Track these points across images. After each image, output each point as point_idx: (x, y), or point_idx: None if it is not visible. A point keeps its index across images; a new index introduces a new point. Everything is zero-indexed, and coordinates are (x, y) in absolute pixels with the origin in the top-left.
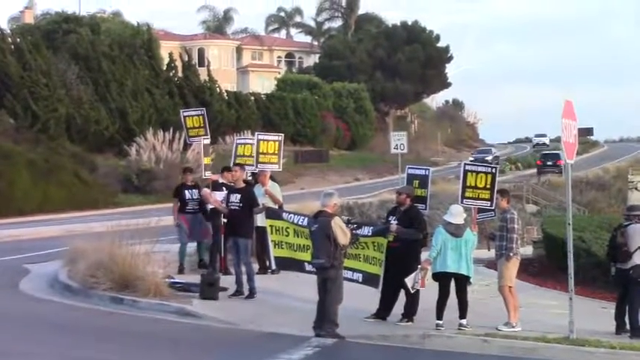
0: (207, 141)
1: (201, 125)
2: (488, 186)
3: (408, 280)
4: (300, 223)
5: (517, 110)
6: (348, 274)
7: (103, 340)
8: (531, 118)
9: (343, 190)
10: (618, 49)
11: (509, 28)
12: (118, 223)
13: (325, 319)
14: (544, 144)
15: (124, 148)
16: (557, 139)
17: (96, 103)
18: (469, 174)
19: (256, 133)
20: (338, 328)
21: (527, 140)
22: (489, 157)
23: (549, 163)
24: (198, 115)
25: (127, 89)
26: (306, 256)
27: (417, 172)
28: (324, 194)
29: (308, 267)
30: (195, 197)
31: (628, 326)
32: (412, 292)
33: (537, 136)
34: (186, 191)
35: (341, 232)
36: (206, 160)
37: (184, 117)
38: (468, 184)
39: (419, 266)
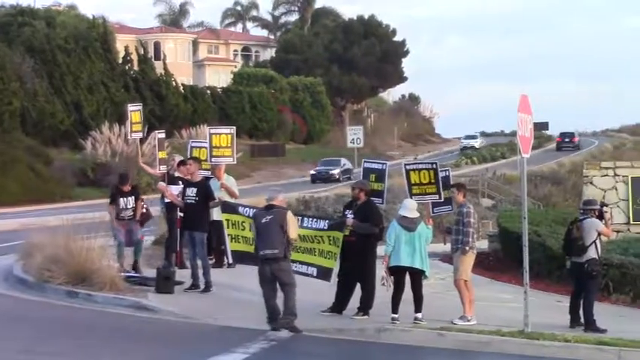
0: (162, 135)
1: (139, 121)
2: (432, 181)
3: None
4: None
5: (473, 104)
6: (302, 268)
7: (58, 335)
8: (487, 112)
9: (299, 184)
10: (573, 44)
11: (464, 22)
12: (73, 216)
13: (285, 310)
14: (472, 147)
15: (79, 141)
16: (513, 134)
17: (51, 97)
18: (411, 172)
19: (208, 128)
20: (295, 320)
21: (483, 134)
22: (477, 143)
23: (567, 140)
24: (138, 111)
25: (83, 82)
26: None
27: (374, 166)
28: (271, 190)
29: None
30: (129, 206)
31: (582, 320)
32: (388, 290)
33: (467, 137)
34: (121, 199)
35: (294, 225)
36: (161, 155)
37: (130, 112)
38: (412, 181)
39: (382, 263)
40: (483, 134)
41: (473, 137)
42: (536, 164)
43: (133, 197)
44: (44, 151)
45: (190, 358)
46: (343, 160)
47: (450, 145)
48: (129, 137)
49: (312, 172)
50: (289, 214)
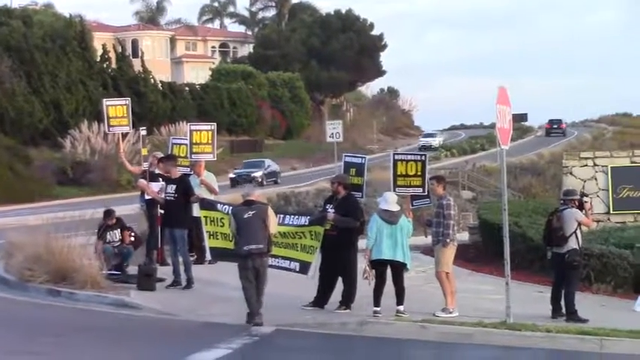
0: (144, 132)
1: (124, 115)
2: (419, 173)
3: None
4: None
5: (451, 98)
6: (285, 263)
7: (41, 333)
8: (465, 106)
9: (279, 180)
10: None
11: (443, 17)
12: (53, 215)
13: (260, 306)
14: (430, 146)
15: (58, 140)
16: (492, 126)
17: (29, 96)
18: (399, 163)
19: (189, 124)
20: None
21: (463, 127)
22: (436, 141)
23: (555, 126)
24: (122, 105)
25: (61, 81)
26: None
27: (354, 160)
28: (247, 186)
29: None
30: (116, 239)
31: (564, 310)
32: (370, 284)
33: (425, 135)
34: (107, 234)
35: (274, 221)
36: (144, 152)
37: (107, 106)
38: (398, 172)
39: (363, 256)
40: (463, 126)
41: (431, 135)
42: (516, 156)
43: (119, 230)
44: (23, 151)
45: (173, 355)
46: (268, 162)
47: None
48: (107, 131)
49: (232, 175)
50: (270, 210)
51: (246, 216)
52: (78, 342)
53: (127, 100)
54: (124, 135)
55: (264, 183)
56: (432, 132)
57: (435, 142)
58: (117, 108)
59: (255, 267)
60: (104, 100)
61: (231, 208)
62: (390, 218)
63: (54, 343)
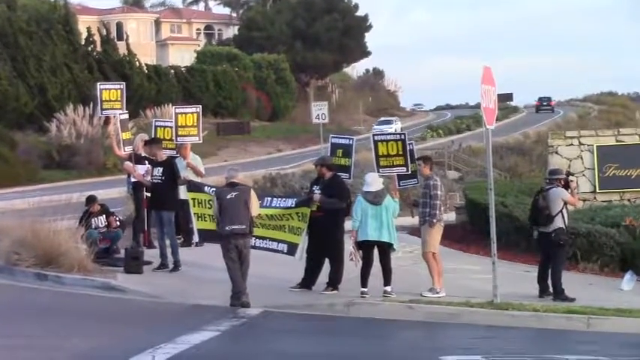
0: (126, 116)
1: (118, 99)
2: (400, 152)
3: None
4: None
5: (437, 78)
6: (272, 244)
7: (29, 317)
8: (451, 86)
9: (266, 162)
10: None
11: None
12: (40, 199)
13: (244, 286)
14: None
15: (44, 124)
16: (478, 106)
17: (14, 80)
18: (379, 144)
19: (173, 107)
20: None
21: (449, 107)
22: (391, 129)
23: (545, 103)
24: (116, 89)
25: (46, 65)
26: None
27: (341, 141)
28: (229, 169)
29: None
30: (101, 225)
31: (551, 289)
32: (356, 266)
33: (380, 123)
34: (92, 221)
35: (256, 203)
36: (125, 135)
37: (100, 90)
38: (380, 153)
39: (350, 238)
40: (449, 107)
41: (387, 122)
42: (502, 136)
43: (104, 216)
44: (8, 135)
45: (161, 338)
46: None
47: (415, 119)
48: (100, 114)
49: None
50: (252, 192)
51: (229, 197)
52: (65, 325)
53: (122, 85)
54: (107, 120)
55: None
56: (387, 118)
57: (392, 129)
58: (111, 92)
59: (237, 247)
60: (98, 83)
61: (214, 189)
62: (374, 199)
63: (41, 326)
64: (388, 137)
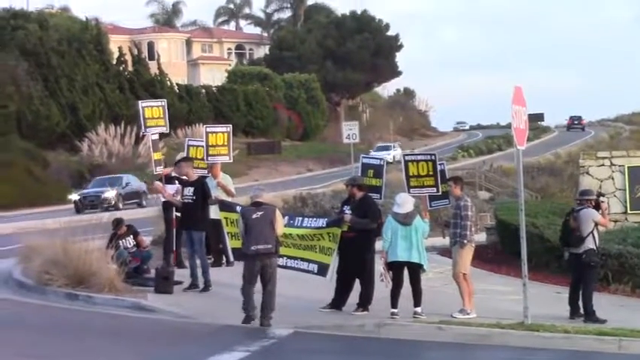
0: (156, 136)
1: (161, 116)
2: (430, 173)
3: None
4: None
5: (468, 97)
6: (303, 265)
7: (58, 337)
8: (483, 105)
9: (296, 181)
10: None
11: (456, 15)
12: (70, 218)
13: (270, 307)
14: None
15: (75, 143)
16: (509, 126)
17: (46, 99)
18: (410, 164)
19: (204, 126)
20: None
21: (480, 127)
22: (389, 156)
23: (576, 122)
24: (158, 106)
25: (77, 84)
26: None
27: (372, 161)
28: (255, 188)
29: None
30: (130, 245)
31: (582, 310)
32: (387, 286)
33: (379, 149)
34: (120, 242)
35: (281, 223)
36: (156, 156)
37: (143, 107)
38: (410, 174)
39: (380, 258)
40: (480, 126)
41: (386, 148)
42: (533, 156)
43: (132, 236)
44: (40, 154)
45: (191, 358)
46: (127, 178)
47: (446, 139)
48: (143, 132)
49: (75, 196)
50: (278, 212)
51: (254, 216)
52: (95, 345)
53: (163, 102)
54: (138, 140)
55: (120, 205)
56: (386, 144)
57: (390, 156)
58: (153, 109)
59: (263, 267)
60: (140, 102)
61: (240, 208)
62: (404, 220)
63: (71, 346)
64: (419, 157)
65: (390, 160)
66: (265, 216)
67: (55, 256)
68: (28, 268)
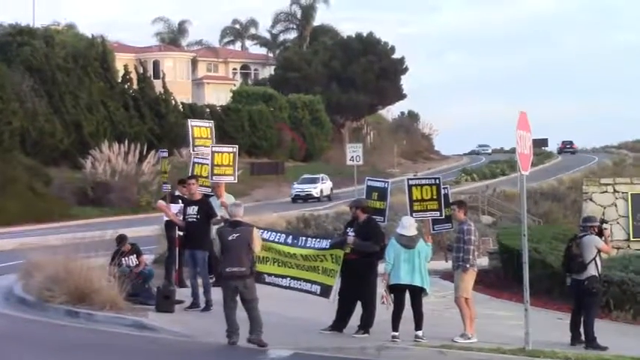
0: (164, 154)
1: (209, 136)
2: (434, 197)
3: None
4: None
5: (472, 121)
6: (306, 285)
7: (59, 354)
8: (486, 130)
9: (299, 203)
10: (570, 61)
11: (461, 40)
12: (73, 235)
13: (255, 326)
14: (309, 195)
15: (79, 160)
16: (513, 151)
17: (50, 116)
18: (414, 188)
19: (210, 146)
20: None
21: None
22: (316, 189)
23: (568, 146)
24: (206, 127)
25: (82, 102)
26: (264, 267)
27: (377, 184)
28: (232, 204)
29: (268, 278)
30: (132, 264)
31: (583, 337)
32: (387, 309)
33: (303, 181)
34: (123, 260)
35: (258, 241)
36: (164, 177)
37: (192, 126)
38: (414, 197)
39: (381, 281)
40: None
41: (312, 181)
42: (536, 181)
43: (135, 255)
44: (44, 171)
45: None
46: (323, 177)
47: (450, 163)
48: (191, 151)
49: (293, 191)
50: (255, 231)
51: (230, 238)
52: None
53: (211, 123)
54: (142, 158)
55: (321, 199)
56: (313, 176)
57: (315, 190)
58: (201, 129)
59: (237, 288)
60: (189, 120)
61: (216, 228)
62: (408, 243)
63: None
64: (422, 182)
65: (316, 195)
66: (242, 238)
67: (56, 272)
68: (29, 285)
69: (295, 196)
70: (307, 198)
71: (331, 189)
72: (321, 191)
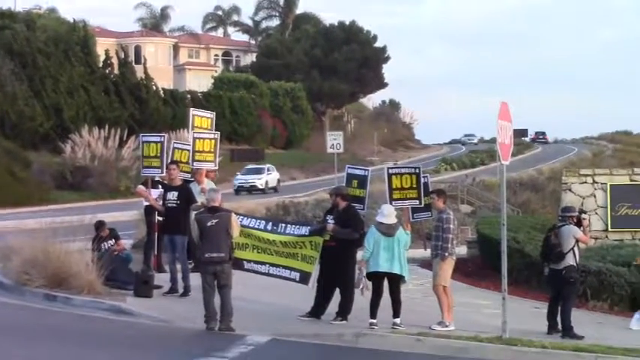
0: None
1: (209, 127)
2: (414, 185)
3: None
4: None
5: (453, 111)
6: (285, 272)
7: (36, 338)
8: (465, 120)
9: (242, 195)
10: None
11: (444, 32)
12: (52, 220)
13: (226, 312)
14: (252, 185)
15: (58, 144)
16: (493, 141)
17: (30, 100)
18: (394, 177)
19: (192, 132)
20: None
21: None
22: (260, 180)
23: (541, 137)
24: (207, 117)
25: (63, 86)
26: (244, 254)
27: (357, 172)
28: (210, 190)
29: (247, 265)
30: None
31: (560, 326)
32: (362, 295)
33: (248, 171)
34: (102, 245)
35: (237, 226)
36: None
37: (193, 115)
38: (394, 186)
39: (357, 267)
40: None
41: (257, 171)
42: (516, 171)
43: (113, 240)
44: (23, 154)
45: None
46: (269, 168)
47: (430, 152)
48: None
49: (235, 182)
50: (233, 217)
51: (209, 224)
52: (72, 347)
53: (213, 114)
54: (122, 143)
55: (266, 190)
56: (257, 166)
57: (261, 181)
58: (202, 119)
59: (215, 273)
60: (191, 109)
61: (194, 214)
62: (387, 231)
63: (48, 347)
64: (402, 170)
65: (261, 187)
66: (220, 223)
67: (34, 256)
68: (7, 268)
69: (238, 187)
70: (251, 190)
71: (278, 180)
72: (267, 183)
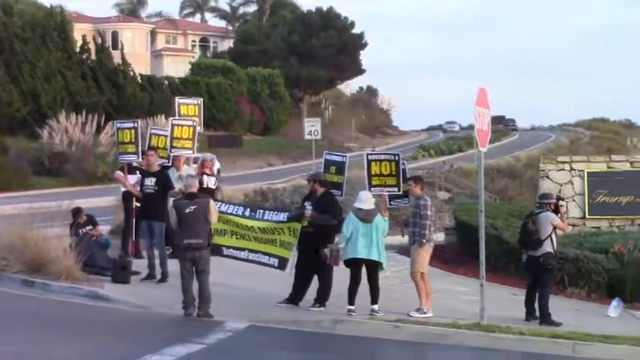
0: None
1: (196, 114)
2: (393, 172)
3: (322, 252)
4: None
5: (430, 98)
6: (264, 258)
7: (12, 324)
8: (443, 107)
9: (256, 176)
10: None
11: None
12: (29, 205)
13: (204, 298)
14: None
15: (35, 130)
16: (470, 127)
17: (7, 85)
18: (373, 163)
19: (170, 119)
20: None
21: (441, 128)
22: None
23: (511, 124)
24: (194, 104)
25: (40, 71)
26: (222, 240)
27: (335, 158)
28: (187, 176)
29: (226, 251)
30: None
31: (538, 313)
32: (329, 261)
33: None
34: (80, 231)
35: (215, 212)
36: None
37: (179, 104)
38: (373, 172)
39: (329, 248)
40: (441, 127)
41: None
42: (493, 158)
43: (91, 226)
44: (0, 140)
45: (146, 348)
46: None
47: (407, 138)
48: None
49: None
50: (211, 203)
51: (187, 210)
52: (50, 333)
53: (200, 101)
54: (99, 129)
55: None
56: (194, 155)
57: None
58: (189, 107)
59: (194, 260)
60: (177, 98)
61: (172, 200)
62: (365, 217)
63: (26, 334)
64: (382, 157)
65: (212, 187)
66: (199, 210)
67: (12, 242)
68: None
69: None
70: None
71: (218, 170)
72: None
